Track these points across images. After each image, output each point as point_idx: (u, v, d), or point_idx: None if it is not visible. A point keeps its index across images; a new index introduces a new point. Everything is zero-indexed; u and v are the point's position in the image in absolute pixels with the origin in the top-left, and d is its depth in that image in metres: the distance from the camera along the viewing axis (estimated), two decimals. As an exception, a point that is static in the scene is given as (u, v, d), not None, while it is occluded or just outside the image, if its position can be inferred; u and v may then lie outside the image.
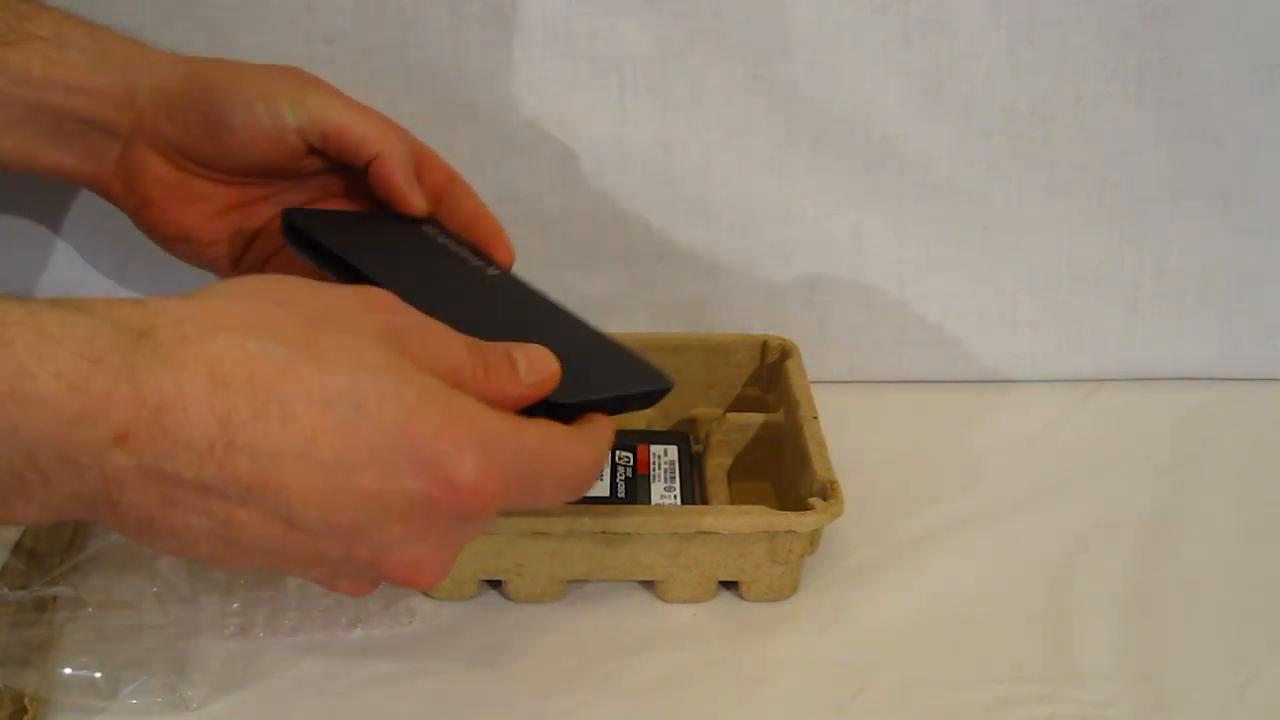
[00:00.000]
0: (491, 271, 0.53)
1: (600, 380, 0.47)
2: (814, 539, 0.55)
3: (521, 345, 0.43)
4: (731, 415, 0.64)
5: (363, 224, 0.54)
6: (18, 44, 0.52)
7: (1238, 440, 0.68)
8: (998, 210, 0.69)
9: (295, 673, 0.52)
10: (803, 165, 0.68)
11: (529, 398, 0.42)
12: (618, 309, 0.71)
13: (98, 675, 0.50)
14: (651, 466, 0.61)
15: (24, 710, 0.48)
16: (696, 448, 0.65)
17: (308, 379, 0.37)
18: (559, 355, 0.43)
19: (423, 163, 0.55)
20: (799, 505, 0.55)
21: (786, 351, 0.65)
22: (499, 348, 0.42)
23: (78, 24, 0.54)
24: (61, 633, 0.51)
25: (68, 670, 0.50)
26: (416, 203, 0.53)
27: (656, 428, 0.66)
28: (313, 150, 0.53)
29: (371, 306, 0.40)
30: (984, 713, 0.51)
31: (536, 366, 0.42)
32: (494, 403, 0.40)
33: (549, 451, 0.41)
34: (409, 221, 0.54)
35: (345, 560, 0.39)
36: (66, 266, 0.70)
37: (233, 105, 0.52)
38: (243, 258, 0.56)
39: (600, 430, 0.44)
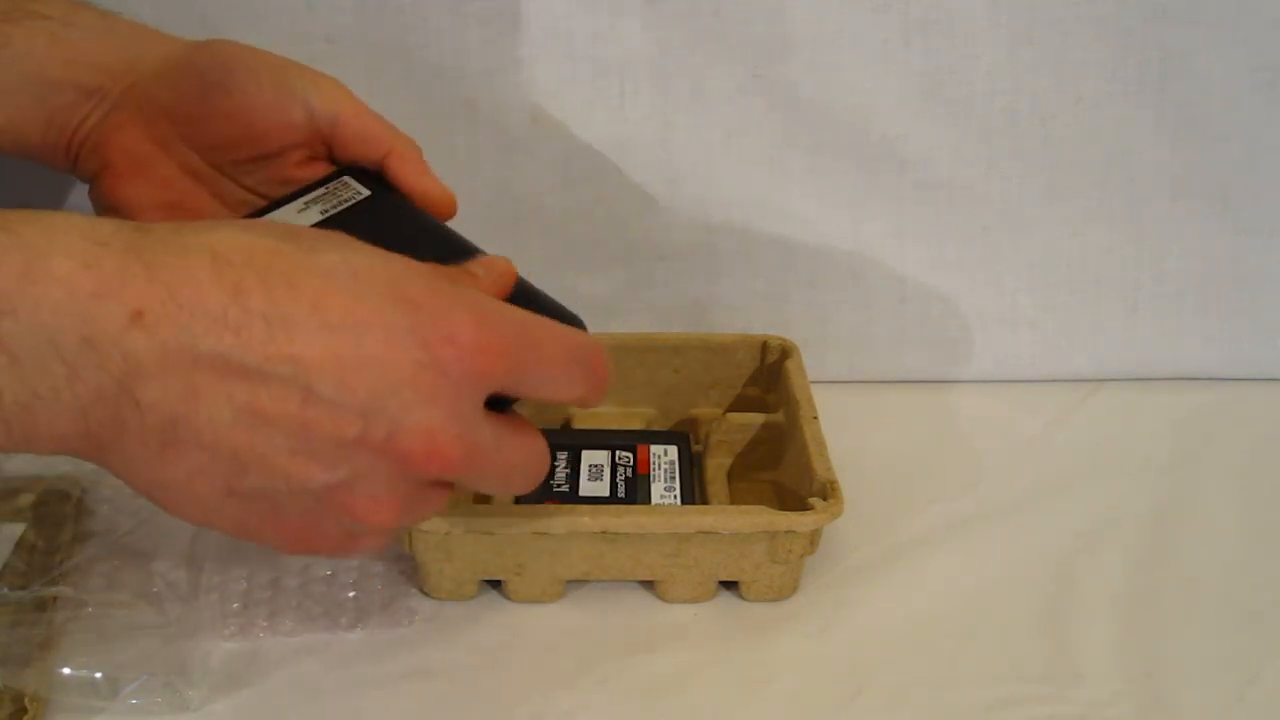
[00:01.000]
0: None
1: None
2: (814, 539, 0.55)
3: (477, 259, 0.46)
4: (731, 415, 0.64)
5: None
6: (20, 21, 0.52)
7: (1238, 440, 0.68)
8: (998, 210, 0.69)
9: (295, 673, 0.52)
10: (803, 165, 0.68)
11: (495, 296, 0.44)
12: (618, 309, 0.71)
13: (98, 675, 0.50)
14: (651, 466, 0.61)
15: (24, 710, 0.48)
16: (696, 448, 0.65)
17: (304, 257, 0.38)
18: None
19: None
20: (799, 505, 0.55)
21: (786, 351, 0.65)
22: (456, 266, 0.44)
23: (88, 7, 0.54)
24: (61, 633, 0.51)
25: (67, 670, 0.50)
26: (439, 193, 0.53)
27: (656, 428, 0.66)
28: (308, 137, 0.52)
29: (334, 234, 0.42)
30: (984, 713, 0.51)
31: (491, 268, 0.45)
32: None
33: (544, 324, 0.42)
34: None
35: (363, 445, 0.38)
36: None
37: (235, 73, 0.51)
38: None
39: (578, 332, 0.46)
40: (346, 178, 0.53)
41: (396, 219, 0.52)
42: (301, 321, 0.37)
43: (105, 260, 0.36)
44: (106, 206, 0.54)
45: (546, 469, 0.45)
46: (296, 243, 0.39)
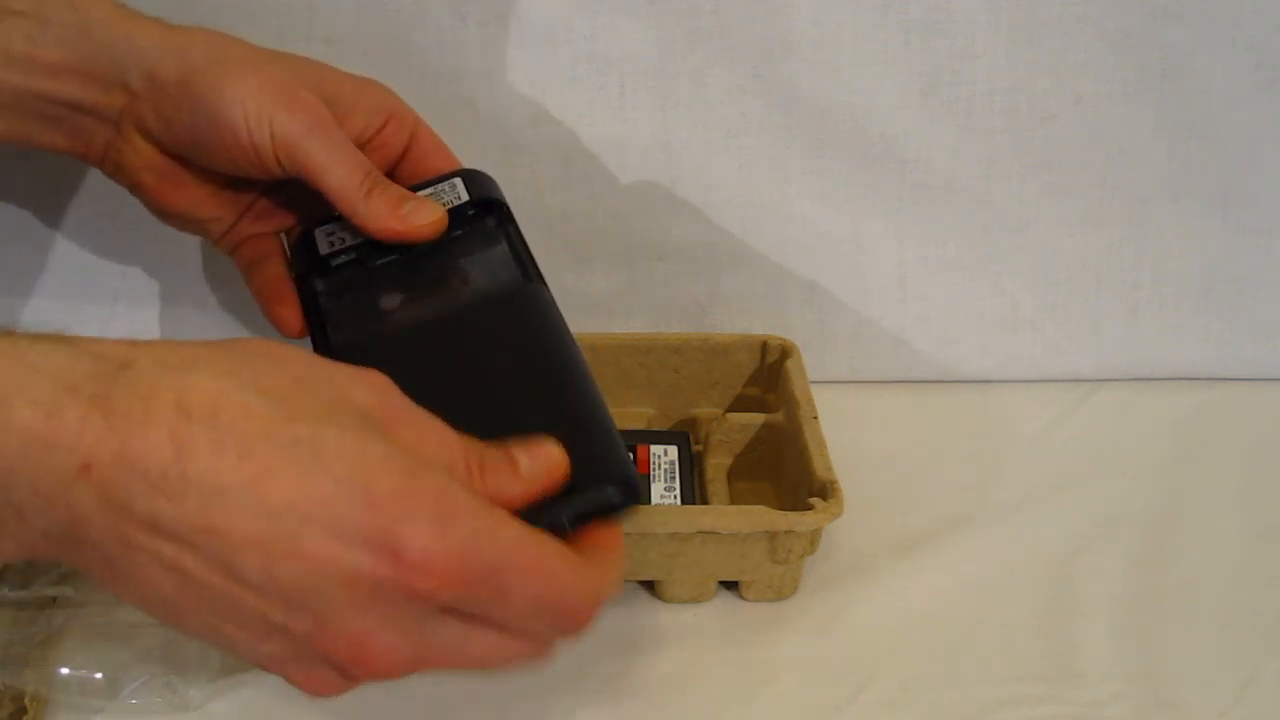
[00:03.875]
0: (500, 327, 0.49)
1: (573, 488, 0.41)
2: (814, 539, 0.55)
3: (525, 442, 0.40)
4: (731, 415, 0.64)
5: (368, 270, 0.52)
6: None
7: (1238, 440, 0.68)
8: (998, 210, 0.69)
9: (295, 673, 0.52)
10: (803, 165, 0.68)
11: (532, 494, 0.39)
12: (618, 309, 0.71)
13: (98, 675, 0.50)
14: (651, 466, 0.61)
15: (24, 710, 0.48)
16: (696, 448, 0.65)
17: (271, 422, 0.36)
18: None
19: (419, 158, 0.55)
20: (799, 505, 0.55)
21: (786, 351, 0.65)
22: (499, 448, 0.40)
23: None
24: (61, 633, 0.51)
25: (67, 670, 0.50)
26: (376, 226, 0.51)
27: (656, 428, 0.66)
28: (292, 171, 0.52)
29: (363, 385, 0.39)
30: (984, 713, 0.51)
31: (539, 457, 0.40)
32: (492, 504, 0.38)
33: (529, 558, 0.37)
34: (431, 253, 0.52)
35: (288, 632, 0.37)
36: (66, 266, 0.70)
37: (219, 124, 0.50)
38: (237, 223, 0.55)
39: (606, 563, 0.40)
40: (458, 181, 0.53)
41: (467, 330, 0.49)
42: (236, 499, 0.35)
43: (69, 409, 0.35)
44: (161, 215, 0.55)
45: (541, 662, 0.40)
46: (275, 401, 0.36)
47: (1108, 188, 0.69)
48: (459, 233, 0.52)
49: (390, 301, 0.51)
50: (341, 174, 0.50)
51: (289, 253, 0.56)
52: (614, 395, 0.65)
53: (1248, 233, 0.70)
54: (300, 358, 0.39)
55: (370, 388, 0.39)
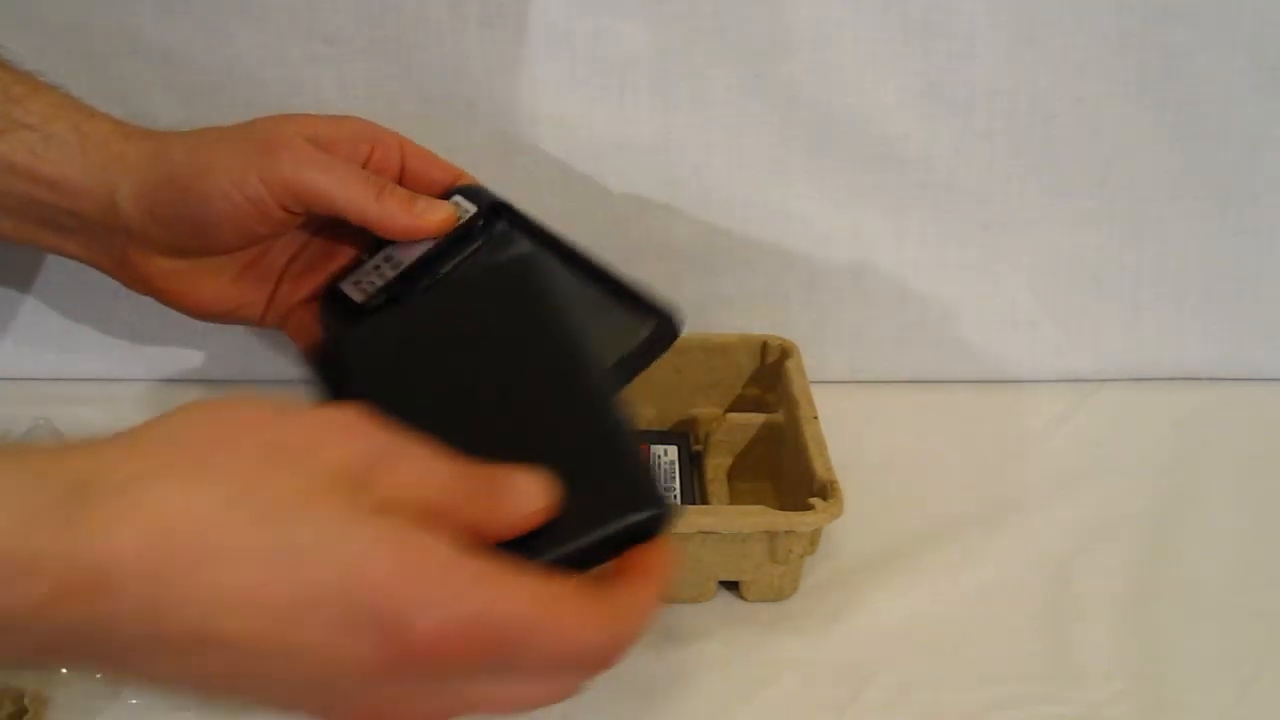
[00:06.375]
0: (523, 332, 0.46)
1: (586, 518, 0.39)
2: (814, 539, 0.55)
3: (513, 472, 0.38)
4: (731, 415, 0.64)
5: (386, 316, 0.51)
6: (4, 132, 0.52)
7: (1238, 440, 0.68)
8: (998, 210, 0.69)
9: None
10: (803, 165, 0.68)
11: (517, 530, 0.38)
12: (618, 309, 0.71)
13: (98, 675, 0.50)
14: (651, 466, 0.61)
15: (24, 710, 0.48)
16: (696, 448, 0.65)
17: (245, 531, 0.34)
18: (565, 476, 0.38)
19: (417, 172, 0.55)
20: (799, 505, 0.55)
21: (786, 351, 0.65)
22: (486, 475, 0.38)
23: (66, 113, 0.53)
24: (61, 633, 0.51)
25: (67, 670, 0.50)
26: (393, 225, 0.52)
27: (656, 428, 0.66)
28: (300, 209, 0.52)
29: (335, 436, 0.37)
30: (984, 713, 0.51)
31: (527, 499, 0.38)
32: (481, 535, 0.37)
33: (540, 616, 0.35)
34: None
35: (311, 707, 0.36)
36: (65, 265, 0.70)
37: (211, 201, 0.50)
38: (273, 297, 0.56)
39: (634, 602, 0.38)
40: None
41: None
42: (231, 611, 0.34)
43: (30, 541, 0.33)
44: (192, 314, 0.55)
45: (576, 693, 0.38)
46: (247, 504, 0.35)
47: (1108, 188, 0.69)
48: (479, 244, 0.53)
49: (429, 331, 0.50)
50: (346, 186, 0.51)
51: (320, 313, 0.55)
52: (614, 395, 0.65)
53: (1248, 233, 0.70)
54: (264, 421, 0.37)
55: (343, 435, 0.37)
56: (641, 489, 0.39)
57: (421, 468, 0.37)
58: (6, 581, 0.33)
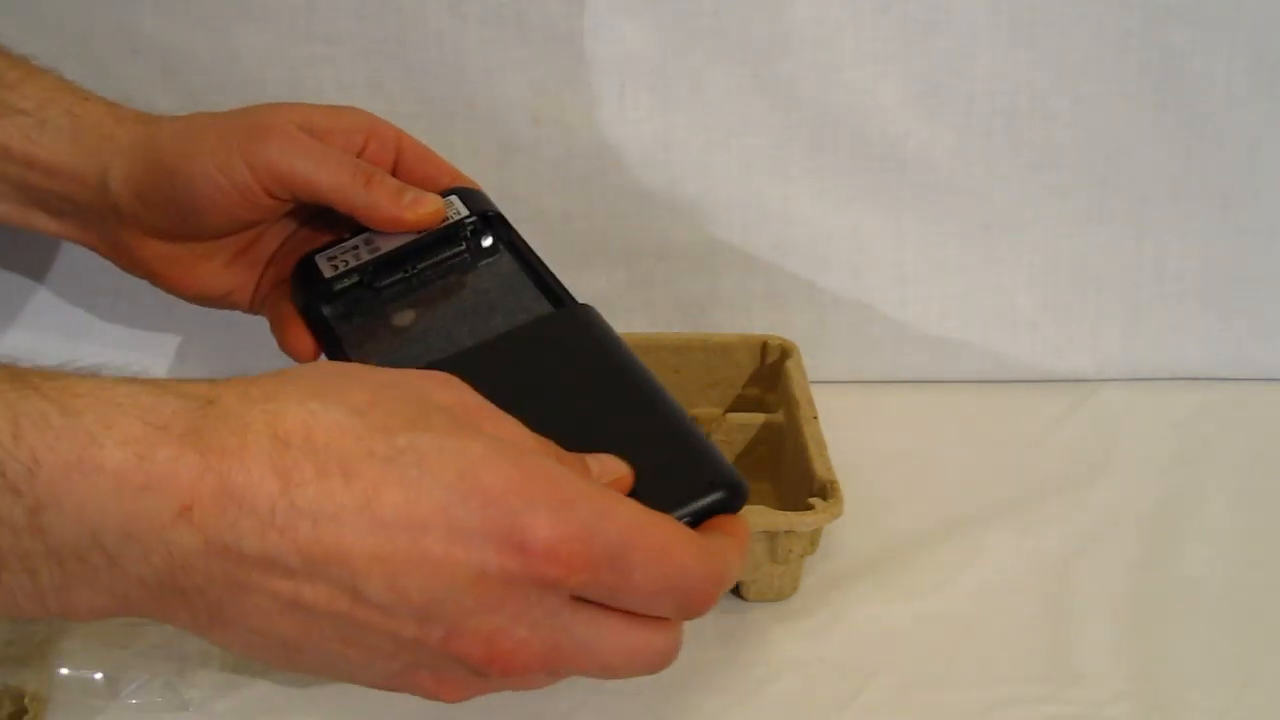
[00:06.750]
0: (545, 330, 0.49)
1: (672, 499, 0.41)
2: (814, 539, 0.55)
3: (596, 456, 0.40)
4: (731, 415, 0.64)
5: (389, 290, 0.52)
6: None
7: (1238, 440, 0.68)
8: (998, 210, 0.69)
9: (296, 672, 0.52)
10: (803, 165, 0.68)
11: None
12: (618, 309, 0.71)
13: (98, 675, 0.50)
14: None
15: (24, 710, 0.48)
16: (696, 448, 0.65)
17: (368, 438, 0.35)
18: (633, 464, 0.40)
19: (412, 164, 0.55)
20: (799, 505, 0.55)
21: (786, 351, 0.65)
22: (572, 454, 0.39)
23: (60, 97, 0.53)
24: (61, 633, 0.51)
25: (67, 670, 0.50)
26: (378, 214, 0.51)
27: (656, 428, 0.66)
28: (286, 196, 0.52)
29: (441, 386, 0.39)
30: (984, 713, 0.51)
31: (606, 472, 0.40)
32: None
33: (651, 537, 0.36)
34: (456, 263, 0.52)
35: (420, 644, 0.36)
36: (67, 263, 0.70)
37: (196, 185, 0.50)
38: (260, 283, 0.56)
39: (726, 547, 0.39)
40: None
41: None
42: (351, 519, 0.34)
43: (160, 449, 0.34)
44: (185, 298, 0.55)
45: (667, 660, 0.39)
46: (366, 416, 0.36)
47: (1108, 188, 0.69)
48: (463, 248, 0.52)
49: (403, 319, 0.51)
50: (332, 173, 0.51)
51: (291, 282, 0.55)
52: (614, 395, 0.65)
53: (1248, 233, 0.70)
54: (371, 370, 0.39)
55: (447, 387, 0.39)
56: (720, 468, 0.42)
57: (520, 427, 0.39)
58: (138, 493, 0.34)
